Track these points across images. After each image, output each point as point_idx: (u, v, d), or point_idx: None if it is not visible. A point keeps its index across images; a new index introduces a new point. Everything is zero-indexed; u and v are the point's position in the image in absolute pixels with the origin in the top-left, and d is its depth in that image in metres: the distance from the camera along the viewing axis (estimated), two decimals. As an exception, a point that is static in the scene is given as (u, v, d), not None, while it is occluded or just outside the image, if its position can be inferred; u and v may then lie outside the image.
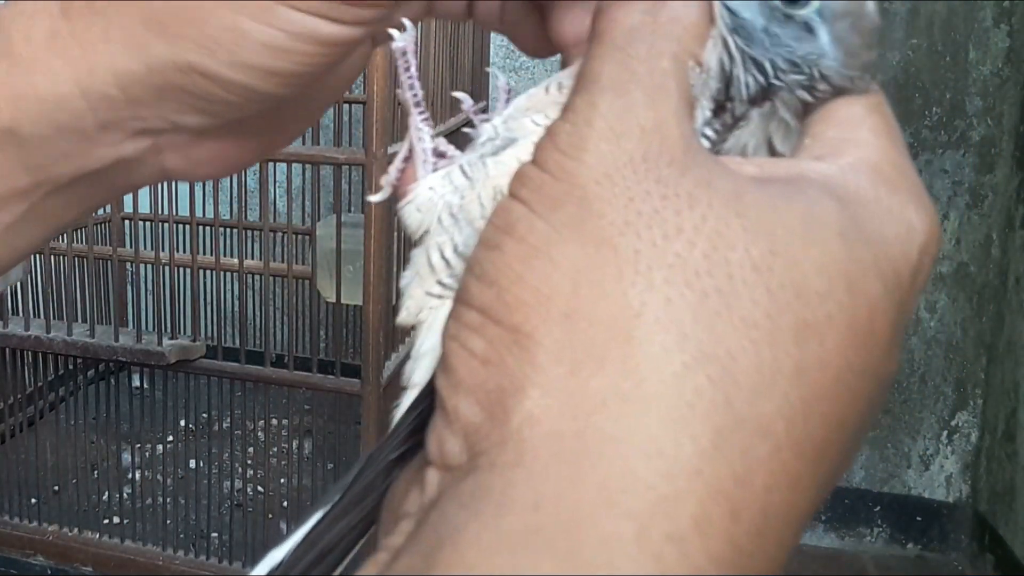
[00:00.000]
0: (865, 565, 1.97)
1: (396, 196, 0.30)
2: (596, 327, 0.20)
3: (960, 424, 1.98)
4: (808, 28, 0.26)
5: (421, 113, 0.31)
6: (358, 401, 1.25)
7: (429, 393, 0.23)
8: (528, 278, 0.21)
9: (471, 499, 0.20)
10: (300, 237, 1.70)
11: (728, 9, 0.25)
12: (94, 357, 1.42)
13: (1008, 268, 1.88)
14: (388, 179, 0.31)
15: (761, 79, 0.26)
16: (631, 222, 0.21)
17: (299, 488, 1.55)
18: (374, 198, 0.31)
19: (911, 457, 2.00)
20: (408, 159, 0.31)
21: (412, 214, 0.29)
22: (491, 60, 1.91)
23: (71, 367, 1.68)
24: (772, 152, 0.26)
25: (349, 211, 1.76)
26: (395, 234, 1.27)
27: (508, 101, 0.31)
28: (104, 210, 1.80)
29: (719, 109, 0.26)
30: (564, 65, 0.31)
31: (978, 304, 1.93)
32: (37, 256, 1.48)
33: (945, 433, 1.99)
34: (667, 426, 0.19)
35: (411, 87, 0.32)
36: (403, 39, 0.32)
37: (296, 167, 1.79)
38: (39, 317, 1.44)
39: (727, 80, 0.26)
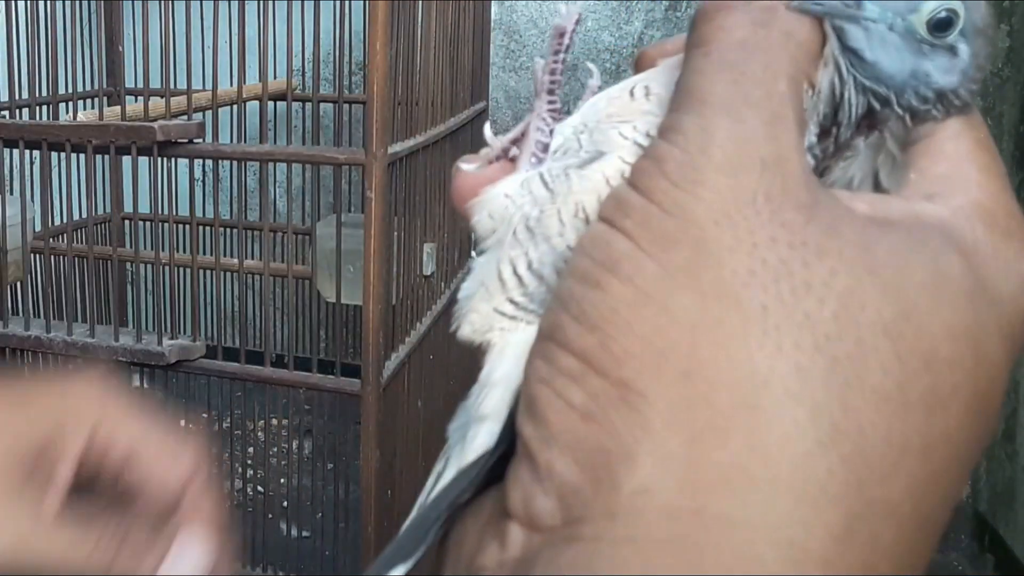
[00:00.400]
0: (865, 565, 1.97)
1: (462, 193, 0.27)
2: (719, 392, 0.18)
3: (960, 424, 1.98)
4: (952, 51, 0.24)
5: (552, 103, 0.28)
6: (358, 401, 1.25)
7: (508, 434, 0.22)
8: (638, 327, 0.19)
9: (573, 573, 0.18)
10: (300, 237, 1.70)
11: (851, 36, 0.23)
12: (94, 357, 1.42)
13: (1008, 268, 1.88)
14: (489, 152, 0.28)
15: (877, 105, 0.24)
16: (756, 272, 0.19)
17: (299, 488, 1.55)
18: (467, 166, 0.27)
19: (911, 457, 2.00)
20: (518, 143, 0.27)
21: (484, 221, 0.26)
22: (491, 60, 1.91)
23: (71, 367, 1.68)
24: (877, 187, 0.25)
25: (349, 211, 1.76)
26: (395, 234, 1.27)
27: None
28: (104, 210, 1.80)
29: (823, 134, 0.24)
30: (639, 65, 0.28)
31: (978, 304, 1.93)
32: (37, 256, 1.48)
33: (945, 433, 1.99)
34: (798, 512, 0.18)
35: (553, 71, 0.28)
36: (566, 18, 0.28)
37: (296, 167, 1.79)
38: (39, 317, 1.44)
39: (836, 104, 0.24)
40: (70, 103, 1.61)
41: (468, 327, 0.25)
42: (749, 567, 0.17)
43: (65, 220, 1.40)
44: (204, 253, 1.63)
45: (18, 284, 1.52)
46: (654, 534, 0.18)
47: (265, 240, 1.33)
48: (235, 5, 1.31)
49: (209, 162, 1.43)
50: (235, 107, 1.39)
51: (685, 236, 0.19)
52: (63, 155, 1.33)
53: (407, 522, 0.24)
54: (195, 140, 1.31)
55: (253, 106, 1.53)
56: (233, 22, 1.41)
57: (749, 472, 0.18)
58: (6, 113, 1.50)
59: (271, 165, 1.32)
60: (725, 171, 0.20)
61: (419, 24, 1.30)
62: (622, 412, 0.19)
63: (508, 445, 0.22)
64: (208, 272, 1.49)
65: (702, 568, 0.17)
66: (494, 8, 2.16)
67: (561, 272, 0.23)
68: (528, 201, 0.25)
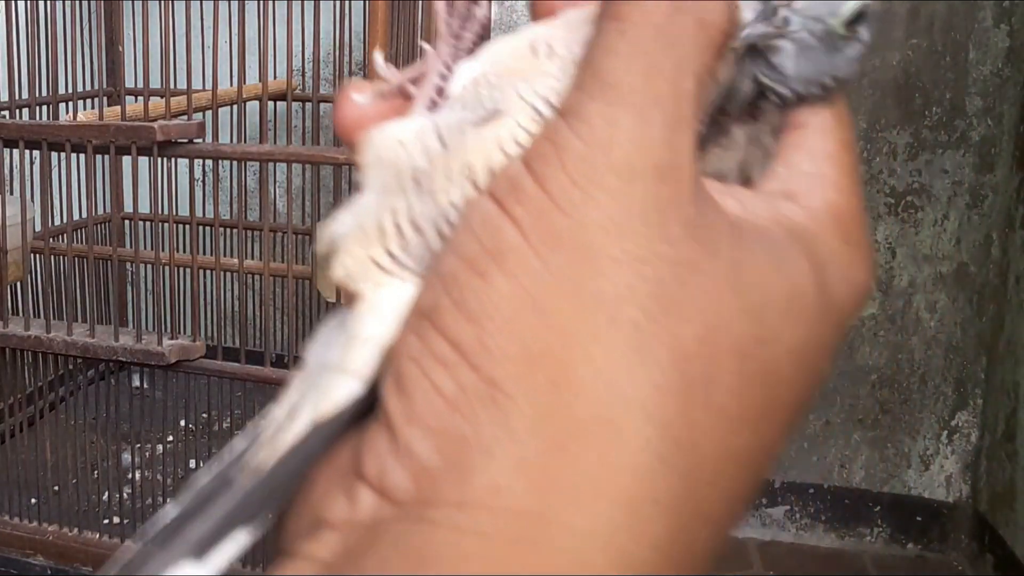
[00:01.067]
0: (865, 565, 1.97)
1: (347, 124, 0.26)
2: (582, 404, 0.19)
3: (960, 424, 1.98)
4: (860, 41, 0.24)
5: (457, 47, 0.26)
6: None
7: (371, 395, 0.22)
8: (516, 329, 0.19)
9: (417, 557, 0.19)
10: (300, 237, 1.70)
11: (759, 24, 0.23)
12: (94, 357, 1.42)
13: (1008, 268, 1.88)
14: (383, 87, 0.26)
15: (776, 100, 0.24)
16: (634, 287, 0.19)
17: (299, 488, 1.55)
18: (358, 96, 0.26)
19: (911, 457, 2.00)
20: (416, 82, 0.26)
21: (372, 163, 0.25)
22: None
23: (71, 367, 1.68)
24: (745, 177, 0.25)
25: (349, 211, 1.75)
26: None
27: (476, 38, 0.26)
28: (104, 210, 1.80)
29: (708, 123, 0.24)
30: (536, 11, 0.26)
31: (978, 304, 1.93)
32: (37, 256, 1.48)
33: (945, 433, 1.99)
34: (632, 523, 0.19)
35: (460, 14, 0.26)
36: None
37: (296, 167, 1.79)
38: (39, 317, 1.44)
39: (728, 96, 0.24)
40: (70, 103, 1.61)
41: (341, 270, 0.25)
42: (579, 570, 0.18)
43: (65, 220, 1.40)
44: (204, 253, 1.63)
45: (18, 284, 1.52)
46: (499, 531, 0.19)
47: (265, 240, 1.33)
48: (235, 5, 1.31)
49: (209, 162, 1.43)
50: (235, 107, 1.39)
51: (574, 240, 0.20)
52: (63, 155, 1.33)
53: (252, 474, 0.23)
54: (195, 140, 1.31)
55: (253, 106, 1.53)
56: (233, 22, 1.41)
57: (596, 485, 0.19)
58: (6, 113, 1.51)
59: (271, 165, 1.32)
60: (623, 176, 0.20)
61: (419, 24, 1.30)
62: (488, 409, 0.19)
63: (368, 403, 0.22)
64: (208, 272, 1.49)
65: (536, 568, 0.18)
66: (494, 8, 2.16)
67: (442, 233, 0.22)
68: (420, 152, 0.24)
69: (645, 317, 0.19)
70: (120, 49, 1.87)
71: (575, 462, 0.19)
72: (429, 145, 0.24)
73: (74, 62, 1.47)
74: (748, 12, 0.24)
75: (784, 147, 0.24)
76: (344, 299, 0.25)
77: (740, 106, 0.24)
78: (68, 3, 1.40)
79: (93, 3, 1.70)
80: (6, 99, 1.51)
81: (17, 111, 1.50)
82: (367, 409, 0.22)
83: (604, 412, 0.19)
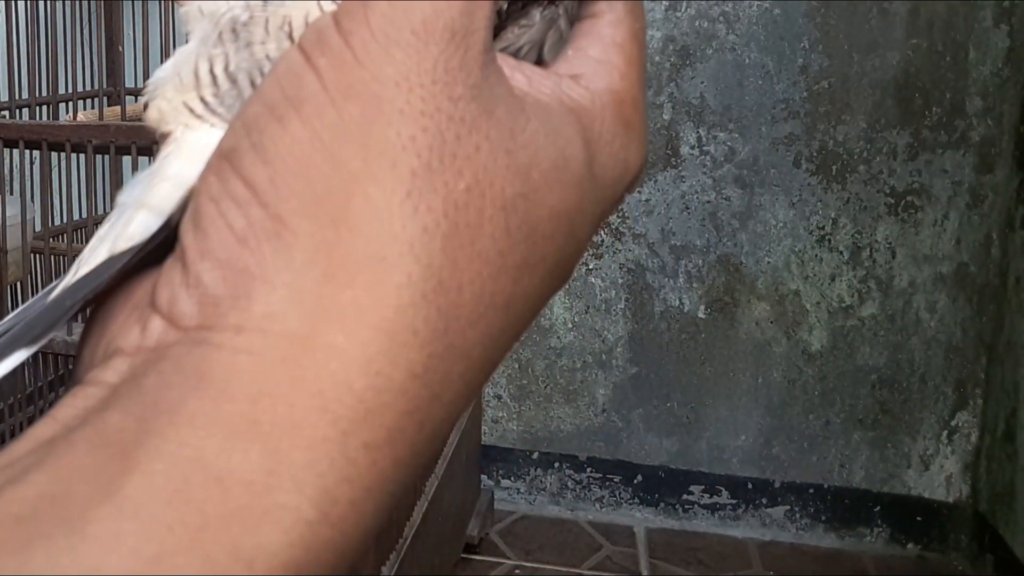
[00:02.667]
0: (865, 565, 1.97)
1: None
2: (357, 241, 0.21)
3: (960, 424, 1.98)
4: None
5: None
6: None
7: (166, 230, 0.23)
8: (305, 170, 0.21)
9: (195, 374, 0.20)
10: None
11: None
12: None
13: (1008, 268, 1.88)
14: None
15: None
16: (416, 138, 0.21)
17: (299, 488, 1.55)
18: None
19: (911, 457, 2.00)
20: None
21: (193, 12, 0.25)
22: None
23: (71, 367, 1.68)
24: (540, 57, 0.26)
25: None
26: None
27: None
28: (104, 210, 1.80)
29: (510, 1, 0.25)
30: None
31: (978, 304, 1.93)
32: (37, 256, 1.48)
33: (945, 433, 1.99)
34: (391, 348, 0.21)
35: None
36: None
37: (296, 167, 1.79)
38: (39, 317, 1.44)
39: None
40: (70, 103, 1.61)
41: (155, 112, 0.25)
42: (339, 389, 0.20)
43: (65, 220, 1.40)
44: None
45: (18, 284, 1.52)
46: (270, 352, 0.20)
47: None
48: (235, 5, 1.30)
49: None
50: (235, 107, 1.39)
51: (367, 91, 0.21)
52: (63, 155, 1.33)
53: (48, 302, 0.24)
54: (195, 140, 1.31)
55: (253, 106, 1.52)
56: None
57: (361, 313, 0.21)
58: (6, 113, 1.50)
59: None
60: (419, 36, 0.21)
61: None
62: (273, 243, 0.21)
63: (164, 240, 0.23)
64: (208, 272, 1.49)
65: (302, 384, 0.20)
66: None
67: (255, 83, 0.24)
68: (240, 5, 0.25)
69: (422, 166, 0.21)
70: (120, 49, 1.87)
71: (344, 291, 0.21)
72: None
73: (74, 62, 1.47)
74: None
75: (577, 33, 0.26)
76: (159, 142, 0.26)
77: None
78: (68, 3, 1.40)
79: (93, 3, 1.70)
80: (6, 99, 1.51)
81: (17, 111, 1.50)
82: (170, 247, 0.23)
83: (376, 249, 0.21)
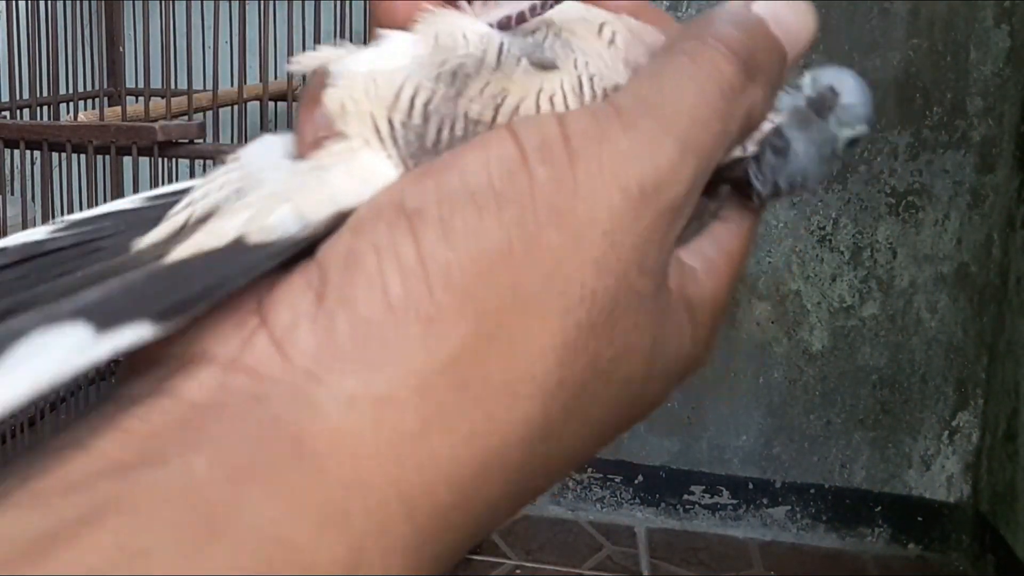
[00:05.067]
0: (866, 565, 1.97)
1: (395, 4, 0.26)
2: (500, 365, 0.20)
3: (961, 424, 1.98)
4: (841, 159, 0.28)
5: None
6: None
7: (307, 246, 0.21)
8: (486, 273, 0.20)
9: (296, 442, 0.19)
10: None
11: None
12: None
13: (1009, 268, 1.88)
14: None
15: (754, 190, 0.27)
16: (596, 294, 0.21)
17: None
18: None
19: (912, 457, 2.00)
20: None
21: (426, 37, 0.25)
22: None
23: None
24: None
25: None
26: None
27: None
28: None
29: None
30: None
31: (979, 304, 1.93)
32: (38, 256, 1.48)
33: (946, 433, 1.99)
34: (480, 482, 0.20)
35: None
36: None
37: (297, 167, 1.79)
38: (40, 317, 1.44)
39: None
40: (71, 103, 1.61)
41: (338, 106, 0.24)
42: (426, 499, 0.19)
43: (66, 220, 1.40)
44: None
45: (19, 284, 1.52)
46: (376, 439, 0.19)
47: (266, 240, 1.33)
48: (235, 5, 1.31)
49: (210, 162, 1.42)
50: (236, 107, 1.39)
51: (575, 224, 0.21)
52: (64, 155, 1.33)
53: (153, 257, 0.21)
54: (196, 140, 1.31)
55: (254, 106, 1.53)
56: (233, 22, 1.41)
57: (473, 435, 0.20)
58: (7, 113, 1.51)
59: (272, 165, 1.32)
60: (645, 193, 0.21)
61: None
62: (423, 328, 0.20)
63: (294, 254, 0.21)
64: (209, 272, 1.49)
65: (395, 483, 0.19)
66: None
67: (441, 131, 0.23)
68: (476, 55, 0.24)
69: (588, 324, 0.21)
70: (120, 49, 1.87)
71: (468, 407, 0.20)
72: (486, 57, 0.24)
73: (75, 62, 1.47)
74: (783, 104, 0.26)
75: (705, 230, 0.27)
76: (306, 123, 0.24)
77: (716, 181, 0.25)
78: (68, 3, 1.40)
79: (93, 3, 1.70)
80: (7, 99, 1.51)
81: (18, 111, 1.50)
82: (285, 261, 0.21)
83: (513, 382, 0.20)
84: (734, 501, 2.06)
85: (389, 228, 0.20)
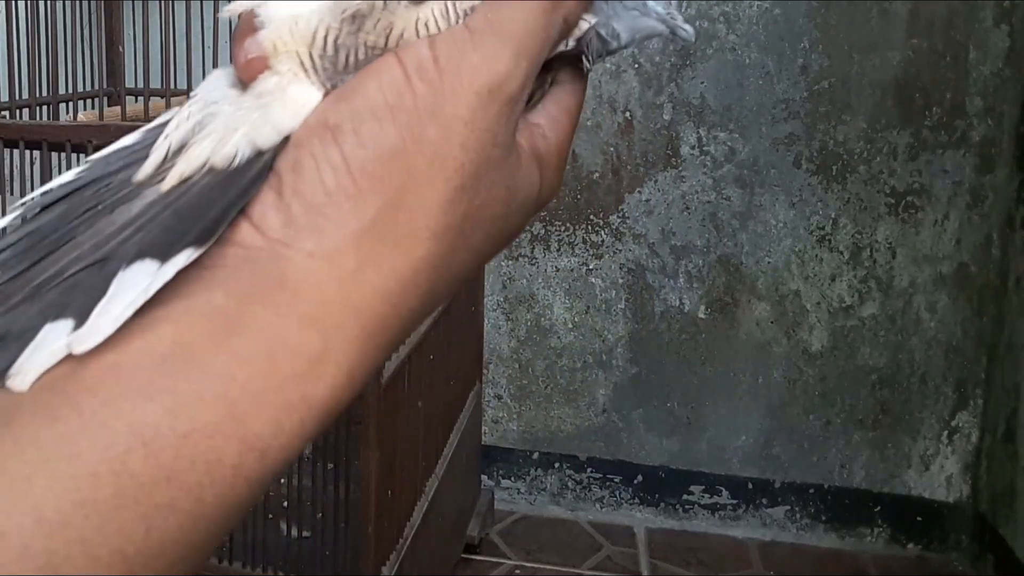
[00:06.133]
0: (865, 565, 1.97)
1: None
2: (404, 220, 0.30)
3: (960, 424, 1.98)
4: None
5: None
6: (358, 401, 1.25)
7: (260, 164, 0.30)
8: (389, 163, 0.29)
9: (279, 277, 0.29)
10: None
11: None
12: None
13: (1008, 268, 1.88)
14: None
15: (583, 63, 0.35)
16: (464, 165, 0.30)
17: (299, 488, 1.55)
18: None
19: (911, 457, 2.00)
20: None
21: None
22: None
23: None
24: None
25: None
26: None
27: None
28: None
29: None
30: None
31: (978, 304, 1.93)
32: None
33: (945, 433, 1.99)
34: (402, 290, 0.30)
35: None
36: None
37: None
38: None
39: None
40: (70, 103, 1.61)
41: (270, 45, 0.31)
42: (370, 306, 0.30)
43: (65, 220, 1.40)
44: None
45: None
46: (330, 274, 0.29)
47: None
48: (235, 5, 1.30)
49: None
50: (235, 107, 1.38)
51: (446, 121, 0.29)
52: (63, 155, 1.33)
53: (203, 172, 0.30)
54: (195, 140, 1.30)
55: (253, 106, 1.52)
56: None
57: (394, 265, 0.30)
58: (6, 113, 1.50)
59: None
60: (492, 92, 0.30)
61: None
62: (351, 204, 0.29)
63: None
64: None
65: (347, 299, 0.29)
66: None
67: (348, 59, 0.31)
68: (367, 4, 0.31)
69: (462, 184, 0.30)
70: (120, 49, 1.87)
71: (387, 249, 0.29)
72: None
73: (74, 62, 1.47)
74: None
75: (547, 93, 0.35)
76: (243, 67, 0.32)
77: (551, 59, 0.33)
78: (68, 3, 1.40)
79: (93, 3, 1.70)
80: (6, 99, 1.51)
81: (17, 111, 1.50)
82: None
83: (414, 230, 0.30)
84: (734, 501, 2.07)
85: (320, 140, 0.30)
